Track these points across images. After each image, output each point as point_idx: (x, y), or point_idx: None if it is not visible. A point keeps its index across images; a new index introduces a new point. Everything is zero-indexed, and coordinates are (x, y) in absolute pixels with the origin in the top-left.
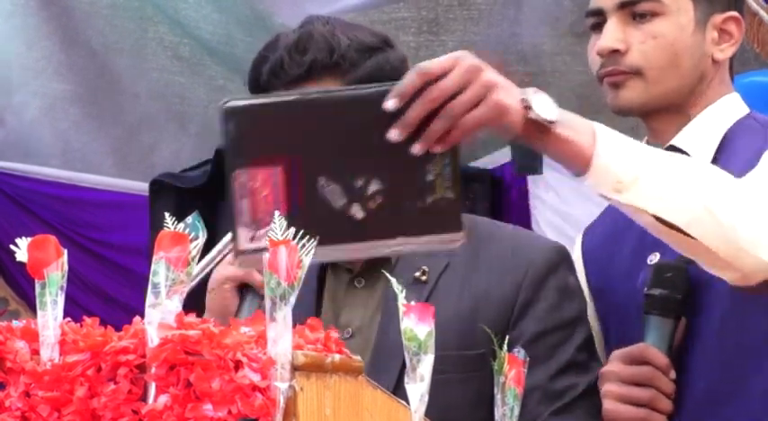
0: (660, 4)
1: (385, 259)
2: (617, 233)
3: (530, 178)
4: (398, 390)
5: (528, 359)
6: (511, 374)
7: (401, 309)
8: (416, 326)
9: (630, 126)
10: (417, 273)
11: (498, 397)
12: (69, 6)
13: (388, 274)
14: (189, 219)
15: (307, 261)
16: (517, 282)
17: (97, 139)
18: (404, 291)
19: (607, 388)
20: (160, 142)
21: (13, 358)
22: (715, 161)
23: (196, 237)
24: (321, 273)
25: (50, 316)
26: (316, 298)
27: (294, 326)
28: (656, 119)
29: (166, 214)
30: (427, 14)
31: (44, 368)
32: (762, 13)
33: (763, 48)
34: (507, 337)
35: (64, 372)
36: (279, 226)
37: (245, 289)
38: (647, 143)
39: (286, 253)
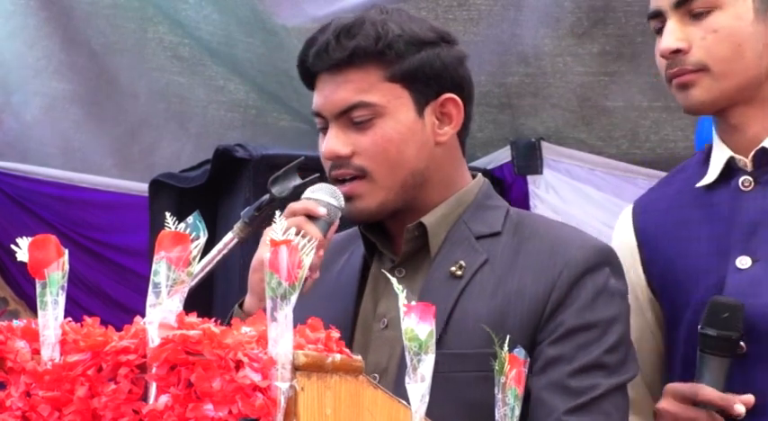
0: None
1: (425, 250)
2: (690, 222)
3: (530, 178)
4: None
5: (546, 358)
6: (511, 374)
7: (401, 309)
8: (417, 326)
9: (631, 128)
10: (453, 268)
11: (499, 396)
12: (70, 6)
13: (389, 275)
14: (190, 219)
15: (307, 261)
16: (552, 282)
17: (97, 139)
18: (404, 290)
19: None
20: (160, 142)
21: (13, 358)
22: None
23: (197, 237)
24: (368, 258)
25: (51, 315)
26: (358, 284)
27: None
28: (733, 114)
29: (167, 214)
30: (427, 15)
31: (45, 368)
32: None
33: None
34: (538, 336)
35: (64, 372)
36: (279, 226)
37: None
38: (722, 140)
39: (287, 253)
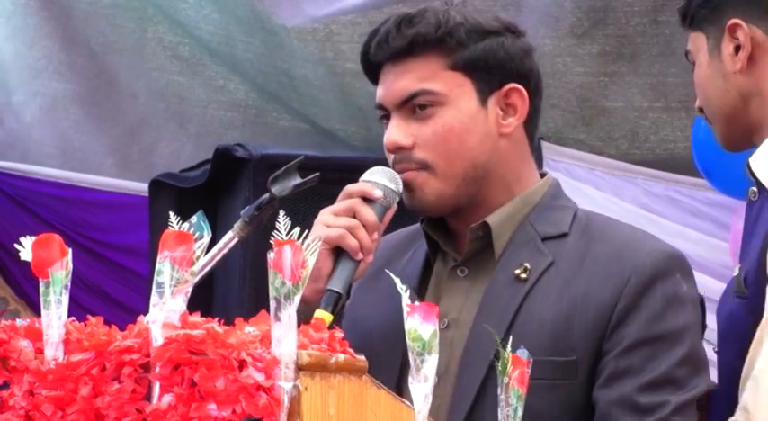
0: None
1: (489, 250)
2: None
3: None
4: (481, 394)
5: (613, 370)
6: (514, 375)
7: (405, 309)
8: (420, 326)
9: (630, 128)
10: (518, 271)
11: (502, 397)
12: (69, 6)
13: (392, 275)
14: (194, 219)
15: (311, 261)
16: (619, 289)
17: (97, 139)
18: (407, 290)
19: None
20: (160, 142)
21: (17, 357)
22: None
23: (201, 237)
24: (431, 256)
25: (54, 315)
26: (420, 282)
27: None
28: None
29: (171, 214)
30: None
31: (48, 367)
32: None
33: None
34: (604, 346)
35: (68, 372)
36: (283, 225)
37: (339, 252)
38: None
39: (290, 252)
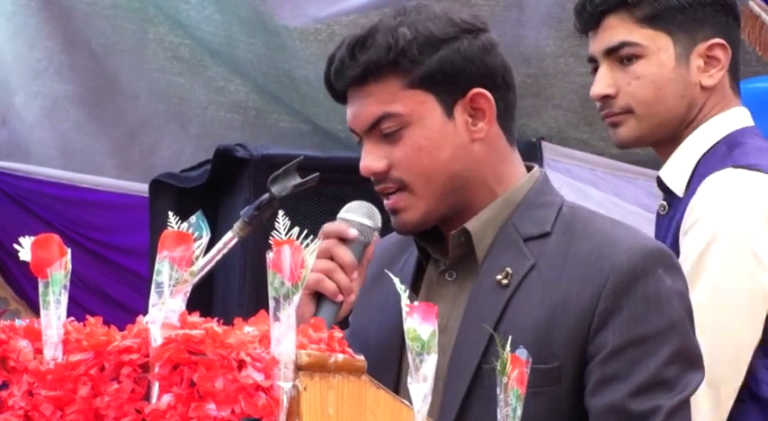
0: (640, 46)
1: (473, 255)
2: None
3: None
4: (467, 400)
5: (600, 376)
6: (513, 374)
7: (404, 309)
8: (420, 326)
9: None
10: (500, 276)
11: (501, 397)
12: (70, 7)
13: (391, 275)
14: (193, 219)
15: (311, 261)
16: (598, 291)
17: (98, 140)
18: (407, 290)
19: None
20: (160, 143)
21: (16, 357)
22: (688, 187)
23: (200, 237)
24: (423, 261)
25: (54, 315)
26: (412, 286)
27: (388, 314)
28: (659, 149)
29: (170, 213)
30: None
31: (47, 367)
32: (764, 15)
33: (766, 51)
34: (588, 350)
35: (67, 372)
36: (282, 225)
37: (320, 295)
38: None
39: (289, 252)
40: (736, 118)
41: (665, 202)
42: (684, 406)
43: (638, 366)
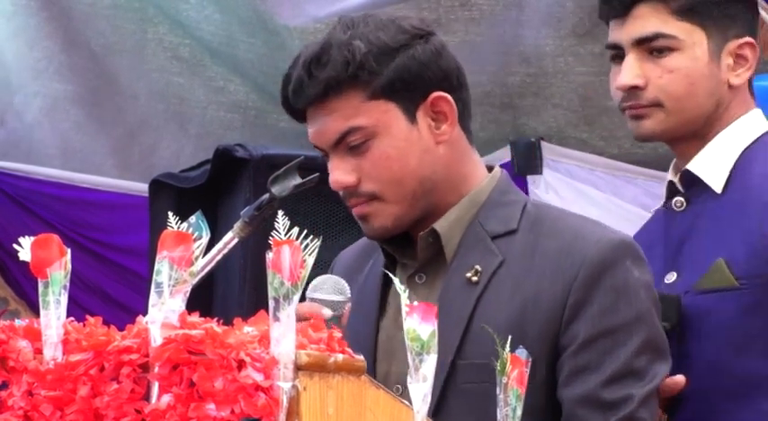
0: (675, 39)
1: (442, 255)
2: (651, 242)
3: (529, 178)
4: (442, 400)
5: (572, 367)
6: (513, 374)
7: (404, 308)
8: (419, 326)
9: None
10: (470, 274)
11: (501, 397)
12: (70, 7)
13: (391, 275)
14: (192, 219)
15: (310, 261)
16: (568, 284)
17: (97, 140)
18: (407, 290)
19: None
20: (160, 143)
21: (15, 357)
22: (729, 183)
23: (199, 237)
24: (390, 265)
25: (53, 315)
26: (381, 292)
27: (358, 319)
28: (678, 144)
29: (170, 214)
30: (429, 15)
31: (47, 367)
32: (764, 14)
33: (766, 49)
34: (560, 343)
35: (67, 372)
36: (282, 226)
37: None
38: (673, 166)
39: (289, 252)
40: (762, 117)
41: (681, 198)
42: (653, 395)
43: (610, 356)
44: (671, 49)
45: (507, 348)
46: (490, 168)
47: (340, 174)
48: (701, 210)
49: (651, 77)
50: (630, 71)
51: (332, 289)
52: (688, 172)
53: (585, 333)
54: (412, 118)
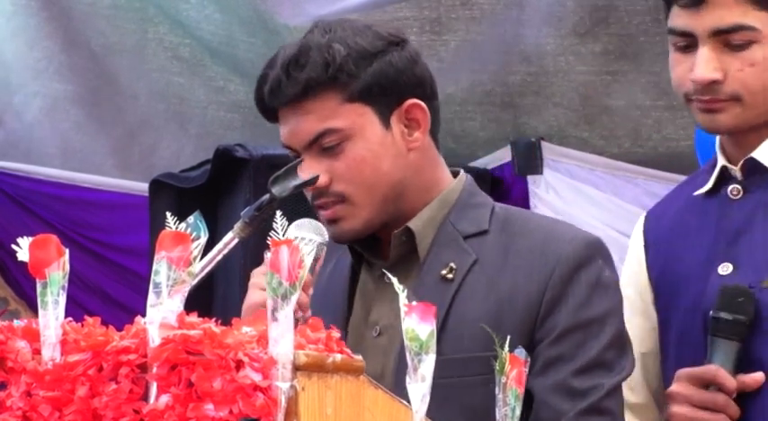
0: (755, 31)
1: (414, 254)
2: (689, 229)
3: (530, 178)
4: None
5: (546, 358)
6: (512, 374)
7: (402, 308)
8: (418, 326)
9: (633, 127)
10: (444, 271)
11: (500, 397)
12: (70, 7)
13: (389, 274)
14: (191, 219)
15: (308, 261)
16: (545, 280)
17: (97, 140)
18: (404, 290)
19: (677, 410)
20: (160, 143)
21: (14, 358)
22: None
23: (198, 237)
24: (355, 266)
25: (52, 315)
26: (348, 292)
27: (325, 320)
28: (745, 135)
29: (168, 214)
30: (429, 14)
31: (45, 368)
32: None
33: None
34: (536, 336)
35: (65, 372)
36: (280, 226)
37: None
38: (722, 151)
39: (288, 253)
40: None
41: (739, 186)
42: (620, 387)
43: (582, 348)
44: (751, 42)
45: (506, 347)
46: (455, 173)
47: (312, 175)
48: (762, 200)
49: (730, 71)
50: (709, 64)
51: (313, 229)
52: (753, 160)
53: (561, 326)
54: (386, 123)
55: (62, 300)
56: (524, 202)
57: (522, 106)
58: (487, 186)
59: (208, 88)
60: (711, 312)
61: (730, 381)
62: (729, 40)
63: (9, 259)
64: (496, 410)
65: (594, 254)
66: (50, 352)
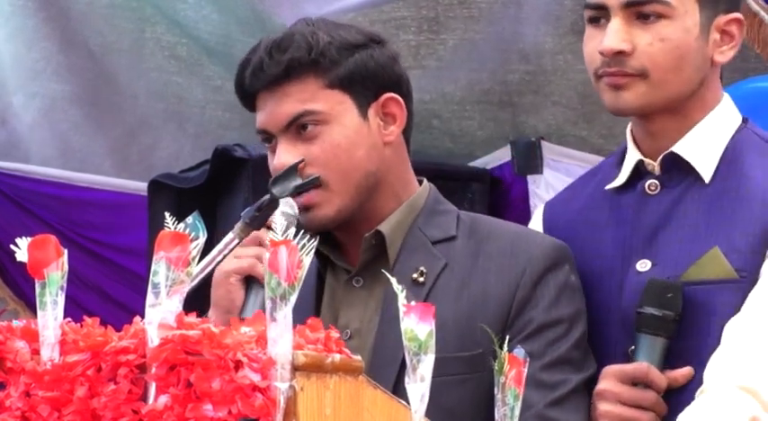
0: (668, 6)
1: (383, 258)
2: (599, 224)
3: (529, 178)
4: (395, 394)
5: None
6: (511, 374)
7: (401, 309)
8: (417, 326)
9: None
10: (415, 275)
11: (498, 396)
12: (67, 7)
13: (388, 274)
14: (189, 219)
15: (307, 261)
16: (515, 281)
17: (96, 140)
18: (404, 290)
19: (605, 408)
20: (159, 142)
21: (13, 358)
22: (718, 173)
23: (196, 237)
24: (321, 270)
25: (50, 316)
26: (315, 297)
27: (294, 325)
28: (654, 121)
29: (167, 214)
30: (427, 13)
31: (44, 368)
32: (762, 13)
33: (764, 49)
34: (507, 335)
35: (64, 372)
36: (279, 226)
37: (250, 281)
38: (635, 144)
39: (286, 253)
40: (732, 104)
41: (656, 181)
42: (586, 386)
43: (551, 347)
44: (662, 16)
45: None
46: (420, 181)
47: (288, 157)
48: (680, 196)
49: (639, 44)
50: (617, 35)
51: (284, 202)
52: (674, 154)
53: (532, 324)
54: (364, 114)
55: (61, 300)
56: (524, 202)
57: (520, 105)
58: (487, 186)
59: (206, 88)
60: (637, 308)
61: (661, 379)
62: (642, 10)
63: (7, 259)
64: (495, 410)
65: (562, 259)
66: (49, 352)
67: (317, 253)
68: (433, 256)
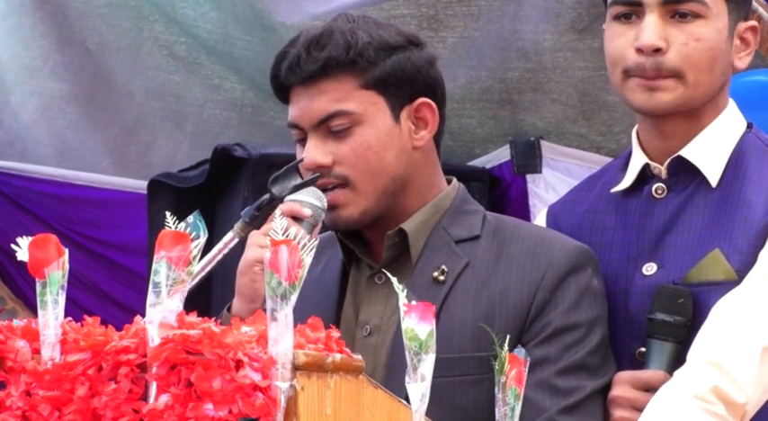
0: (705, 6)
1: (406, 256)
2: (605, 227)
3: (529, 177)
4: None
5: (532, 358)
6: (512, 374)
7: (402, 308)
8: (417, 326)
9: (631, 122)
10: (436, 273)
11: (499, 396)
12: (65, 6)
13: (388, 274)
14: (190, 219)
15: (308, 260)
16: (536, 284)
17: (94, 138)
18: (404, 290)
19: (623, 414)
20: (156, 141)
21: (13, 357)
22: (724, 177)
23: (197, 237)
24: (346, 264)
25: (51, 315)
26: (338, 291)
27: (315, 317)
28: (668, 121)
29: (167, 213)
30: (427, 11)
31: (45, 367)
32: (761, 10)
33: (763, 44)
34: (524, 337)
35: (65, 372)
36: (279, 225)
37: None
38: (641, 147)
39: (287, 252)
40: (737, 110)
41: (663, 185)
42: (602, 392)
43: (568, 351)
44: (699, 16)
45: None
46: (449, 181)
47: (317, 154)
48: (687, 200)
49: (674, 43)
50: (655, 31)
51: (313, 195)
52: (682, 159)
53: (550, 328)
54: (396, 117)
55: (61, 299)
56: (523, 201)
57: (520, 103)
58: (486, 185)
59: (204, 86)
60: (648, 314)
61: None
62: (679, 9)
63: (6, 258)
64: (496, 410)
65: (585, 262)
66: (50, 351)
67: (344, 247)
68: (456, 255)
